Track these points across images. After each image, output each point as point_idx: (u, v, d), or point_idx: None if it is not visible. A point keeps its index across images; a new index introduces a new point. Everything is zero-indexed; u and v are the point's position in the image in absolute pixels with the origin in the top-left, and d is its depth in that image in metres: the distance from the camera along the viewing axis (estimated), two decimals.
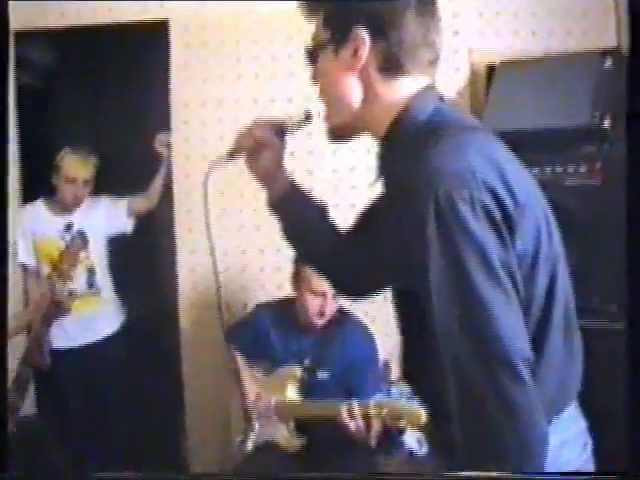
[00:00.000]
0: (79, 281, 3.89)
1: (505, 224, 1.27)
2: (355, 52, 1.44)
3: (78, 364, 3.97)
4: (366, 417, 2.90)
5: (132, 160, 4.50)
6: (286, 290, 3.43)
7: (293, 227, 1.83)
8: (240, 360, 3.39)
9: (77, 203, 4.06)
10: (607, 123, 3.00)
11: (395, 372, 3.93)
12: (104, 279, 4.13)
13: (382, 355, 3.71)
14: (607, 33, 3.65)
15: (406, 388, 3.69)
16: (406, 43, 1.44)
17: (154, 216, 4.29)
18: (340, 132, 1.57)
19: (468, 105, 3.78)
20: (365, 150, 3.63)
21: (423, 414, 2.79)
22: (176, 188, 4.04)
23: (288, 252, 3.31)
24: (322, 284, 3.17)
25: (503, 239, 1.27)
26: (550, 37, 3.70)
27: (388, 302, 3.89)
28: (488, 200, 1.25)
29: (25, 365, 2.91)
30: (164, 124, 4.07)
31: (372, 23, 1.43)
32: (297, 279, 3.29)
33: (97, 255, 4.06)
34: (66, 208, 4.05)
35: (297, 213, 1.81)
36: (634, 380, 1.26)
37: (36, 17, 4.05)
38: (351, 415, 2.91)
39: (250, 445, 3.20)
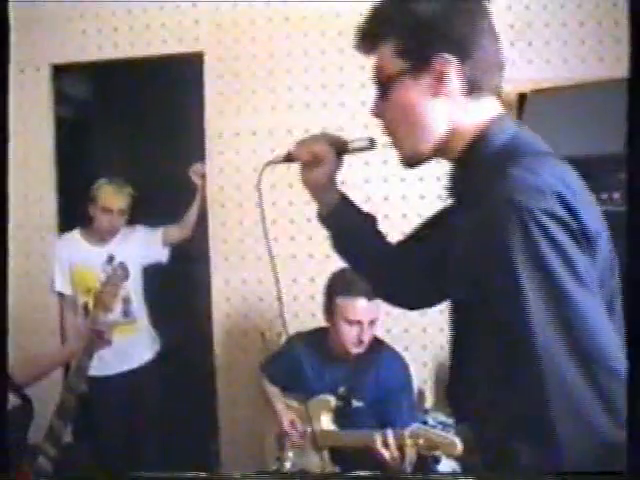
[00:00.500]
0: (116, 310, 3.94)
1: (585, 242, 1.30)
2: (440, 77, 1.44)
3: (114, 392, 4.01)
4: (401, 447, 2.90)
5: (167, 190, 4.57)
6: (319, 319, 3.43)
7: (343, 239, 1.86)
8: (273, 390, 3.40)
9: (113, 233, 4.12)
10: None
11: (430, 400, 3.92)
12: (139, 308, 4.19)
13: (417, 383, 3.71)
14: (621, 61, 3.65)
15: (442, 416, 3.70)
16: (486, 64, 1.46)
17: (189, 245, 4.33)
18: (416, 159, 1.55)
19: None
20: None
21: (459, 443, 2.78)
22: (211, 218, 4.08)
23: (321, 281, 3.37)
24: (357, 312, 3.18)
25: (584, 252, 1.29)
26: (582, 65, 3.71)
27: (423, 331, 3.90)
28: (567, 216, 1.28)
29: (68, 393, 2.94)
30: (199, 154, 4.12)
31: (455, 46, 1.43)
32: (330, 309, 3.29)
33: (133, 284, 4.09)
34: (102, 238, 4.12)
35: (347, 225, 1.83)
36: (634, 380, 1.25)
37: (74, 51, 4.14)
38: (386, 445, 2.91)
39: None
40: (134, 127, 5.34)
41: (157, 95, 4.95)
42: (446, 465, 3.17)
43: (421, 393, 3.88)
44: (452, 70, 1.43)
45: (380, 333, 3.44)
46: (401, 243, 1.88)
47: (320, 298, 3.40)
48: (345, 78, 3.95)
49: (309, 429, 3.25)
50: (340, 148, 1.76)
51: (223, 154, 4.06)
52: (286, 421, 3.30)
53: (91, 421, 4.00)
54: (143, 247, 4.22)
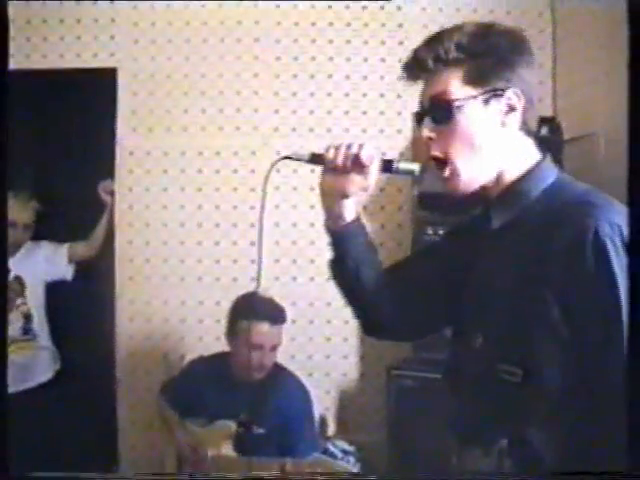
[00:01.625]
0: (15, 326, 3.84)
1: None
2: (511, 109, 1.50)
3: (14, 410, 3.88)
4: (301, 475, 2.89)
5: (74, 206, 4.47)
6: (224, 343, 3.40)
7: (347, 260, 1.75)
8: (172, 415, 3.36)
9: (17, 247, 4.01)
10: None
11: (332, 428, 3.93)
12: (41, 325, 4.05)
13: (319, 410, 3.71)
14: (543, 102, 3.78)
15: (344, 444, 3.71)
16: (533, 107, 1.53)
17: (95, 264, 4.25)
18: (472, 186, 1.56)
19: None
20: None
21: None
22: (118, 236, 4.02)
23: (227, 305, 3.35)
24: (260, 337, 3.17)
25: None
26: None
27: (326, 357, 3.92)
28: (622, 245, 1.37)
29: None
30: (108, 172, 4.06)
31: (521, 83, 1.50)
32: (233, 332, 3.27)
33: (35, 301, 3.99)
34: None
35: (355, 247, 1.74)
36: (634, 380, 1.29)
37: None
38: (284, 474, 2.90)
39: None
40: (43, 140, 5.23)
41: (69, 109, 4.85)
42: None
43: (324, 420, 3.88)
44: (520, 104, 1.50)
45: (283, 359, 3.43)
46: (391, 271, 1.84)
47: (224, 322, 3.38)
48: (260, 103, 3.97)
49: (209, 454, 3.21)
50: (385, 165, 1.66)
51: (133, 173, 4.01)
52: (186, 445, 3.26)
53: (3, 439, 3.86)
54: (47, 263, 4.11)
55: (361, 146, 1.63)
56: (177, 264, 3.99)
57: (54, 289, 4.17)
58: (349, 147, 1.63)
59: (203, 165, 3.98)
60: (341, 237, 1.74)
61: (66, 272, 4.16)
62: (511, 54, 1.50)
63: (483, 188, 1.56)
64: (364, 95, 3.96)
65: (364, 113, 3.96)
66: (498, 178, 1.55)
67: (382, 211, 3.87)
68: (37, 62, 4.03)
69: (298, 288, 3.93)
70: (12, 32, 3.90)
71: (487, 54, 1.50)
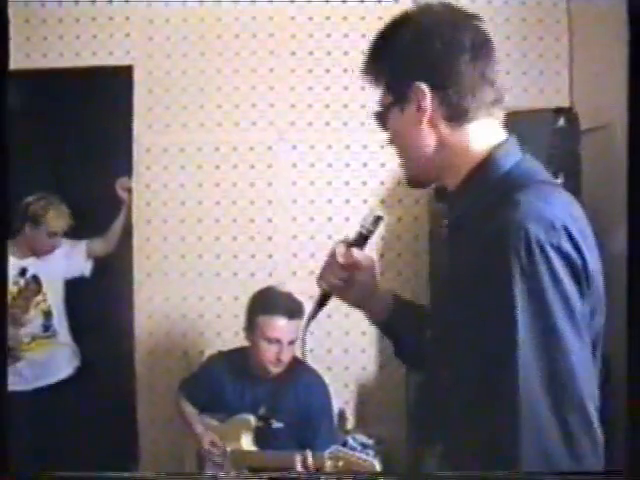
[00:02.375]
0: (35, 324, 3.88)
1: (584, 279, 1.31)
2: (419, 106, 1.46)
3: (32, 407, 3.91)
4: (321, 469, 2.90)
5: (92, 203, 4.49)
6: (242, 337, 3.41)
7: (406, 341, 1.76)
8: (191, 410, 3.37)
9: (50, 251, 4.06)
10: (560, 179, 3.07)
11: (351, 421, 3.93)
12: (60, 322, 4.09)
13: (338, 404, 3.72)
14: (561, 93, 3.76)
15: (363, 437, 3.71)
16: (465, 87, 1.45)
17: (113, 260, 4.28)
18: (417, 181, 1.59)
19: None
20: None
21: (377, 466, 2.80)
22: (136, 233, 4.03)
23: (246, 300, 3.36)
24: (277, 331, 3.18)
25: (582, 290, 1.30)
26: (507, 95, 3.78)
27: (345, 352, 3.92)
28: (572, 252, 1.29)
29: None
30: (126, 169, 4.08)
31: (429, 75, 1.45)
32: (251, 327, 3.28)
33: (54, 298, 4.02)
34: (34, 254, 4.03)
35: (408, 326, 1.73)
36: (634, 380, 1.28)
37: None
38: (305, 467, 2.91)
39: None
40: (61, 138, 5.25)
41: (85, 107, 4.87)
42: None
43: (342, 414, 3.88)
44: (427, 99, 1.45)
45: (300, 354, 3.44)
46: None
47: (243, 317, 3.39)
48: (275, 98, 3.96)
49: (229, 449, 3.22)
50: (359, 242, 1.67)
51: (150, 169, 4.02)
52: (207, 442, 3.27)
53: (3, 439, 3.89)
54: (66, 260, 4.14)
55: (330, 261, 1.67)
56: (195, 260, 4.00)
57: (73, 286, 4.21)
58: (328, 269, 1.68)
59: (220, 161, 3.98)
60: (387, 328, 1.77)
61: (84, 269, 4.19)
62: (415, 47, 1.46)
63: (442, 182, 1.56)
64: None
65: None
66: (450, 171, 1.51)
67: (399, 204, 3.87)
68: (53, 61, 4.04)
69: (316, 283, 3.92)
70: (27, 31, 3.95)
71: (395, 58, 1.49)
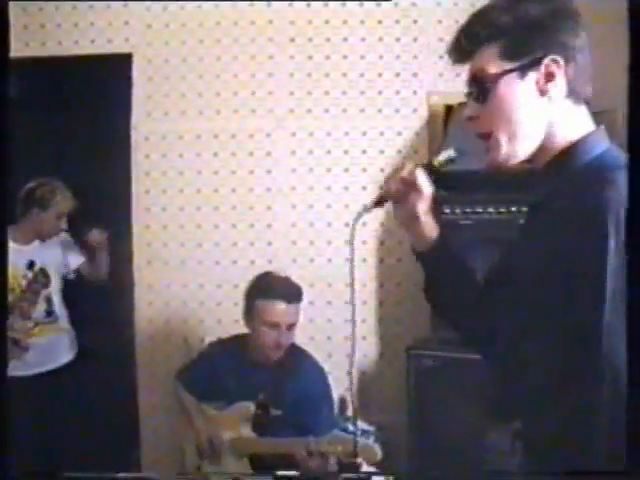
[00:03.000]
0: (39, 309, 3.88)
1: None
2: (549, 77, 1.46)
3: (33, 392, 3.92)
4: (321, 454, 2.90)
5: (92, 192, 4.49)
6: (242, 325, 3.42)
7: (440, 278, 1.76)
8: (189, 400, 3.37)
9: (56, 234, 4.08)
10: None
11: (351, 408, 3.94)
12: (60, 308, 4.10)
13: (339, 392, 3.72)
14: None
15: (363, 424, 3.72)
16: (584, 71, 1.50)
17: (113, 248, 4.27)
18: (512, 159, 1.54)
19: (426, 144, 3.85)
20: None
21: (378, 451, 2.80)
22: (135, 221, 4.03)
23: (245, 287, 3.36)
24: (276, 315, 3.18)
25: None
26: None
27: (345, 339, 3.93)
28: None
29: None
30: (125, 157, 4.06)
31: (562, 49, 1.46)
32: (250, 312, 3.28)
33: (55, 284, 4.03)
34: (39, 238, 4.05)
35: (446, 263, 1.74)
36: (634, 380, 1.28)
37: None
38: (310, 453, 2.91)
39: None
40: (60, 126, 5.25)
41: (83, 95, 4.86)
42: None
43: (343, 401, 3.89)
44: (560, 72, 1.46)
45: (303, 340, 3.44)
46: (488, 281, 1.78)
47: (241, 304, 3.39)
48: (274, 84, 3.95)
49: (229, 436, 3.22)
50: (428, 169, 1.66)
51: (149, 157, 4.01)
52: (204, 438, 3.27)
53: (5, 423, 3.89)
54: (65, 249, 4.14)
55: (400, 168, 1.66)
56: (195, 247, 4.00)
57: (73, 273, 4.21)
58: (394, 174, 1.66)
59: (219, 148, 3.97)
60: (427, 258, 1.74)
61: (79, 261, 4.19)
62: (547, 21, 1.47)
63: (529, 161, 1.54)
64: (379, 75, 3.94)
65: (380, 93, 3.94)
66: (543, 148, 1.51)
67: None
68: (51, 49, 4.03)
69: (316, 270, 3.93)
70: (25, 20, 3.94)
71: (519, 26, 1.47)
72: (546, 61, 1.46)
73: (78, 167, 4.88)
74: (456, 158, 1.66)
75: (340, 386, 3.72)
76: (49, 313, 4.01)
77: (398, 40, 3.89)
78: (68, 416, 4.03)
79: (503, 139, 1.51)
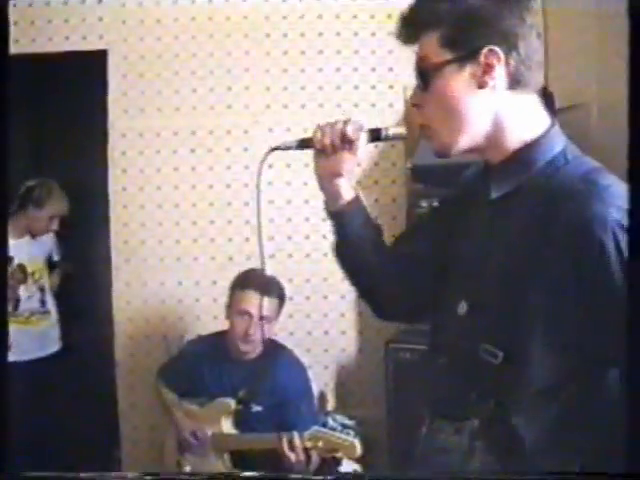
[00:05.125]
0: (34, 299, 4.16)
1: None
2: (487, 69, 1.43)
3: (29, 377, 4.01)
4: (302, 449, 2.91)
5: (70, 189, 4.48)
6: (222, 321, 3.42)
7: (349, 241, 1.72)
8: (171, 397, 3.37)
9: (47, 233, 4.29)
10: None
11: (332, 403, 3.95)
12: (51, 301, 4.29)
13: (318, 386, 3.73)
14: None
15: (343, 418, 3.73)
16: (530, 61, 1.45)
17: (91, 247, 4.28)
18: (452, 149, 1.51)
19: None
20: None
21: (358, 446, 2.81)
22: (113, 219, 4.01)
23: (224, 284, 3.36)
24: (247, 303, 3.20)
25: None
26: None
27: (325, 333, 3.92)
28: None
29: None
30: (102, 154, 4.05)
31: (503, 39, 1.42)
32: (229, 306, 3.31)
33: (45, 278, 4.24)
34: (32, 234, 4.23)
35: (357, 227, 1.70)
36: (634, 380, 1.29)
37: None
38: (291, 447, 2.92)
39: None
40: (38, 125, 5.23)
41: (58, 93, 4.84)
42: (348, 467, 3.20)
43: (323, 396, 3.90)
44: (498, 62, 1.42)
45: (282, 336, 3.45)
46: (391, 249, 1.79)
47: (222, 301, 3.40)
48: (250, 80, 3.95)
49: (209, 433, 3.23)
50: (373, 135, 1.64)
51: (125, 154, 4.00)
52: (187, 431, 3.27)
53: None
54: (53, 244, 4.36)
55: (346, 122, 1.62)
56: (173, 245, 3.99)
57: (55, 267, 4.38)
58: (334, 125, 1.62)
59: (196, 145, 3.96)
60: (341, 217, 1.70)
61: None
62: (488, 9, 1.43)
63: (481, 155, 1.54)
64: (355, 70, 3.94)
65: (356, 88, 3.95)
66: (496, 144, 1.49)
67: (376, 185, 3.86)
68: (25, 46, 3.99)
69: (294, 265, 3.94)
70: None
71: (458, 14, 1.44)
72: (484, 52, 1.42)
73: (56, 165, 4.87)
74: (403, 139, 1.69)
75: (319, 381, 3.73)
76: (43, 303, 4.21)
77: (373, 35, 3.90)
78: (49, 409, 4.08)
79: (443, 129, 1.50)
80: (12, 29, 3.87)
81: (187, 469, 3.25)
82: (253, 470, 3.12)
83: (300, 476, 2.55)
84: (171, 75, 3.98)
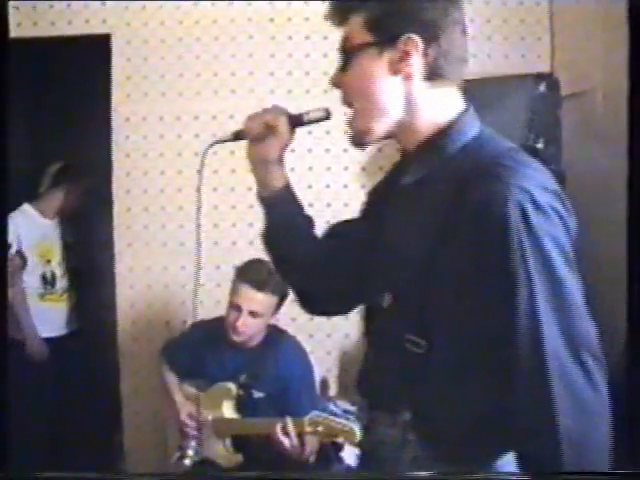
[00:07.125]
0: (66, 277, 4.43)
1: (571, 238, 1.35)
2: (404, 56, 1.43)
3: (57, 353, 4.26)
4: (301, 435, 2.92)
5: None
6: (224, 306, 3.41)
7: (277, 227, 1.75)
8: (172, 378, 3.37)
9: (79, 211, 4.55)
10: (541, 144, 3.08)
11: (334, 388, 3.95)
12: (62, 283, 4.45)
13: (320, 372, 3.73)
14: (541, 58, 3.75)
15: (346, 404, 3.73)
16: (451, 54, 1.45)
17: (94, 231, 4.29)
18: (367, 136, 1.53)
19: None
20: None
21: (358, 431, 2.81)
22: (116, 204, 4.01)
23: (226, 269, 3.35)
24: (239, 297, 3.19)
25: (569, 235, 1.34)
26: (488, 61, 3.78)
27: (327, 319, 3.92)
28: (559, 206, 1.33)
29: None
30: (105, 139, 4.04)
31: (423, 29, 1.42)
32: (230, 293, 3.30)
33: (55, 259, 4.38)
34: (63, 214, 4.46)
35: (286, 214, 1.74)
36: (634, 380, 1.29)
37: None
38: (285, 433, 2.93)
39: (187, 462, 3.19)
40: (40, 109, 5.23)
41: (62, 78, 4.83)
42: (351, 453, 3.21)
43: (325, 381, 3.90)
44: (416, 51, 1.43)
45: (285, 321, 3.45)
46: (326, 238, 1.79)
47: (225, 286, 3.40)
48: (254, 65, 3.93)
49: (211, 417, 3.23)
50: (294, 119, 1.69)
51: (129, 139, 3.99)
52: (184, 413, 3.27)
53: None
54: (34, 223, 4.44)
55: (268, 109, 1.68)
56: (176, 229, 3.98)
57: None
58: (260, 114, 1.67)
59: (200, 129, 3.95)
60: (269, 203, 1.74)
61: (50, 228, 4.39)
62: (415, 1, 1.44)
63: (398, 142, 1.54)
64: None
65: None
66: (409, 130, 1.49)
67: (380, 171, 3.85)
68: (27, 31, 3.98)
69: None
70: None
71: (387, 1, 1.45)
72: (403, 39, 1.43)
73: (59, 150, 4.87)
74: (325, 119, 1.69)
75: (322, 366, 3.74)
76: (52, 284, 4.36)
77: None
78: (53, 392, 4.13)
79: (357, 113, 1.52)
80: (14, 13, 3.89)
81: (189, 453, 3.25)
82: (253, 455, 3.15)
83: (300, 476, 2.56)
84: (175, 59, 3.97)
